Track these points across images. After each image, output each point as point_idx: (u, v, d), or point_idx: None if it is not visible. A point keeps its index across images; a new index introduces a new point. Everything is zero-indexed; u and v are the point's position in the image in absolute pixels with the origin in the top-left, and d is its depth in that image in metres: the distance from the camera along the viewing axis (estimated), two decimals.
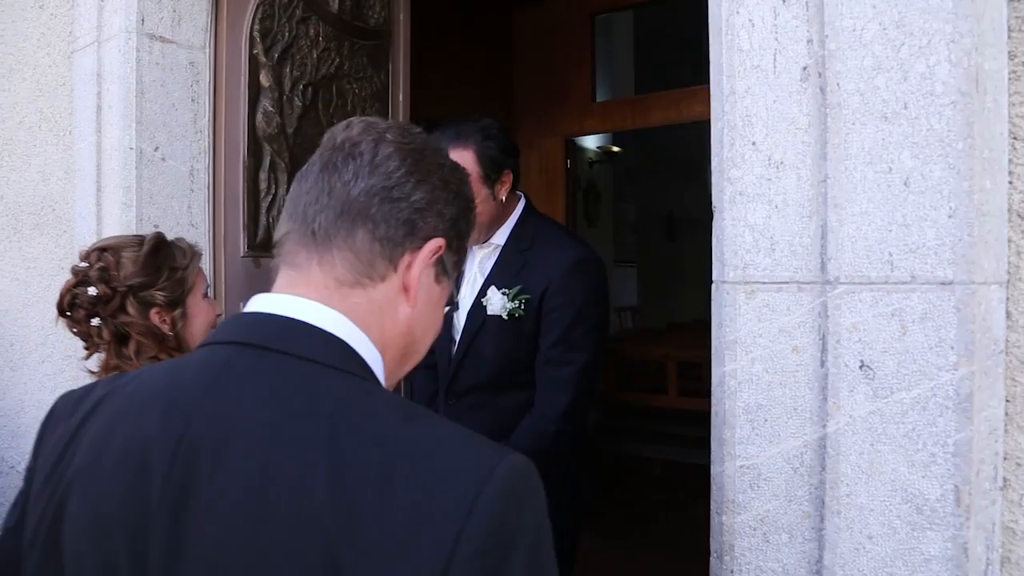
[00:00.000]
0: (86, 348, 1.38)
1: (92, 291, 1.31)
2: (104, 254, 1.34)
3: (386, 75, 2.55)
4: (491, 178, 1.75)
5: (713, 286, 1.13)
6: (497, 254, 1.79)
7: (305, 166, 0.84)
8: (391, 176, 0.78)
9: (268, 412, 0.69)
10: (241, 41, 2.14)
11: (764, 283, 1.07)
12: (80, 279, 1.33)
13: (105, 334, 1.32)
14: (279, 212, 2.17)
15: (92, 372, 1.37)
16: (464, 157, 1.70)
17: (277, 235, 0.84)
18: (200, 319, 1.42)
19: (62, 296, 1.34)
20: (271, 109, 2.20)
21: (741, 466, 1.09)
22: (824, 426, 1.03)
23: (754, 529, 1.09)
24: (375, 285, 0.78)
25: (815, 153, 1.03)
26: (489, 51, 3.83)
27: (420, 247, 0.79)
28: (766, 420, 1.07)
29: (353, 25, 2.42)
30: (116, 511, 0.70)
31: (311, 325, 0.75)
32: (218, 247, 2.13)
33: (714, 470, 1.14)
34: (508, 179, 1.79)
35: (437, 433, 0.69)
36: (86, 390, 0.82)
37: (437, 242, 0.80)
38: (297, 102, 2.27)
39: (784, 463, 1.06)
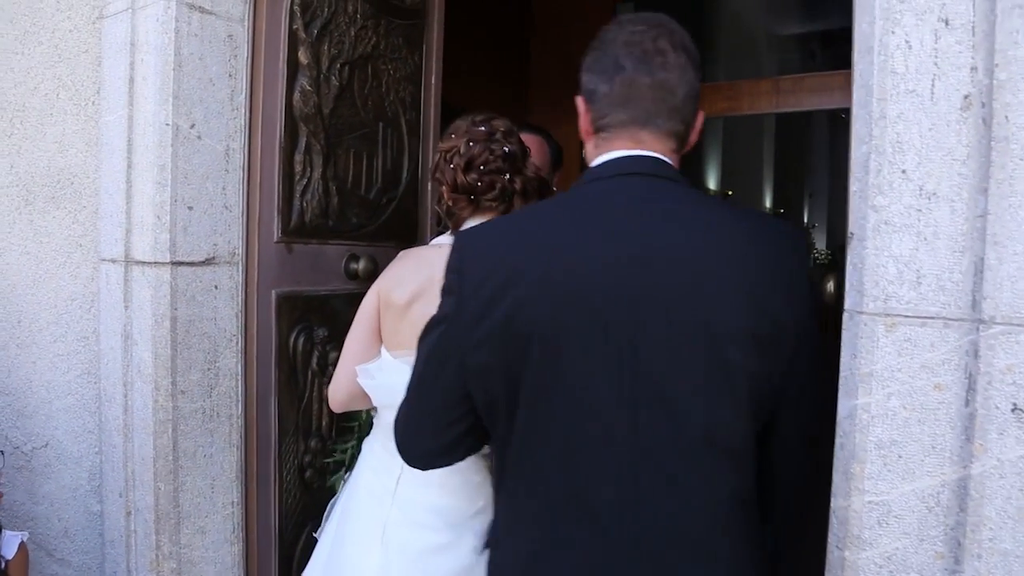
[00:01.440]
0: (460, 203, 1.55)
1: (506, 148, 1.50)
2: (493, 122, 1.54)
3: (420, 57, 2.43)
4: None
5: (846, 315, 1.08)
6: None
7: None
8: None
9: (674, 202, 1.08)
10: (281, 14, 2.01)
11: (907, 316, 1.02)
12: (488, 138, 1.51)
13: (517, 184, 1.51)
14: (312, 197, 2.07)
15: None
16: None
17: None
18: None
19: (472, 155, 1.51)
20: (308, 88, 2.08)
21: (869, 502, 1.05)
22: (966, 467, 0.99)
23: (880, 567, 1.05)
24: None
25: (973, 186, 0.98)
26: (506, 34, 3.71)
27: None
28: (900, 457, 1.03)
29: (390, 3, 2.30)
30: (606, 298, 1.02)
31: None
32: (251, 232, 2.02)
33: (836, 503, 1.10)
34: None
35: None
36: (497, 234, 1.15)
37: None
38: (334, 81, 2.15)
39: (918, 502, 1.02)
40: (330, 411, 2.17)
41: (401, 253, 1.66)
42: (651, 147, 1.12)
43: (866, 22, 1.05)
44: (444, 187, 1.57)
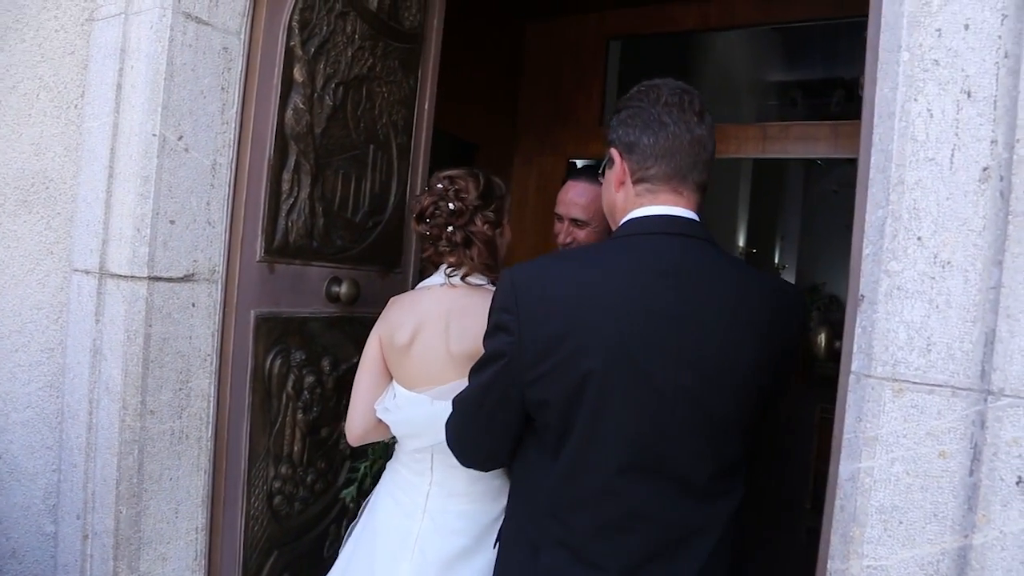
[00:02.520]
0: (426, 249, 1.81)
1: (451, 206, 1.72)
2: (455, 180, 1.74)
3: (415, 81, 2.42)
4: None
5: (852, 377, 1.08)
6: None
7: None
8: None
9: (710, 266, 1.26)
10: (279, 30, 1.98)
11: (915, 383, 1.02)
12: (439, 196, 1.73)
13: (458, 237, 1.73)
14: (298, 217, 2.03)
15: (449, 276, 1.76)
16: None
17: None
18: (506, 238, 1.85)
19: (424, 207, 1.75)
20: (302, 106, 2.05)
21: (868, 566, 1.05)
22: (967, 537, 0.99)
23: None
24: None
25: (987, 258, 0.99)
26: (496, 64, 3.72)
27: None
28: (901, 522, 1.03)
29: (389, 25, 2.28)
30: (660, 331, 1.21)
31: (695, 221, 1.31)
32: (233, 249, 1.97)
33: (833, 566, 1.09)
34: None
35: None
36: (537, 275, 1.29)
37: None
38: (328, 101, 2.12)
39: (917, 569, 1.02)
40: (303, 437, 2.15)
41: (392, 300, 1.84)
42: (689, 202, 1.31)
43: (888, 87, 1.06)
44: None
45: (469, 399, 1.39)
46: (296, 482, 2.16)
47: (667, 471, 1.24)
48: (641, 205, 1.32)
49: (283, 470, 2.12)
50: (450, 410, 1.44)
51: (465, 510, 1.73)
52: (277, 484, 2.10)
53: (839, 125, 3.15)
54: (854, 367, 1.08)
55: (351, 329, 2.29)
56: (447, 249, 1.75)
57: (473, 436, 1.41)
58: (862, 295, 1.08)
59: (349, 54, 2.16)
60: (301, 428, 2.15)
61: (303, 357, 2.15)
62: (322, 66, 2.09)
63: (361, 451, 2.13)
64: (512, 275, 1.30)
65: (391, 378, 1.79)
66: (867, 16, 1.22)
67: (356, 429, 1.79)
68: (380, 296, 2.38)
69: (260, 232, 2.01)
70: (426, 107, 2.48)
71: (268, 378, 2.06)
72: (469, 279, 1.73)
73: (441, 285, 1.75)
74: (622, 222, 1.36)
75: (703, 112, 1.31)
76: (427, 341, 1.69)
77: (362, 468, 2.15)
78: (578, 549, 1.27)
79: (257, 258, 2.01)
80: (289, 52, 2.00)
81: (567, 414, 1.24)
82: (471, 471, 1.54)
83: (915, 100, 1.03)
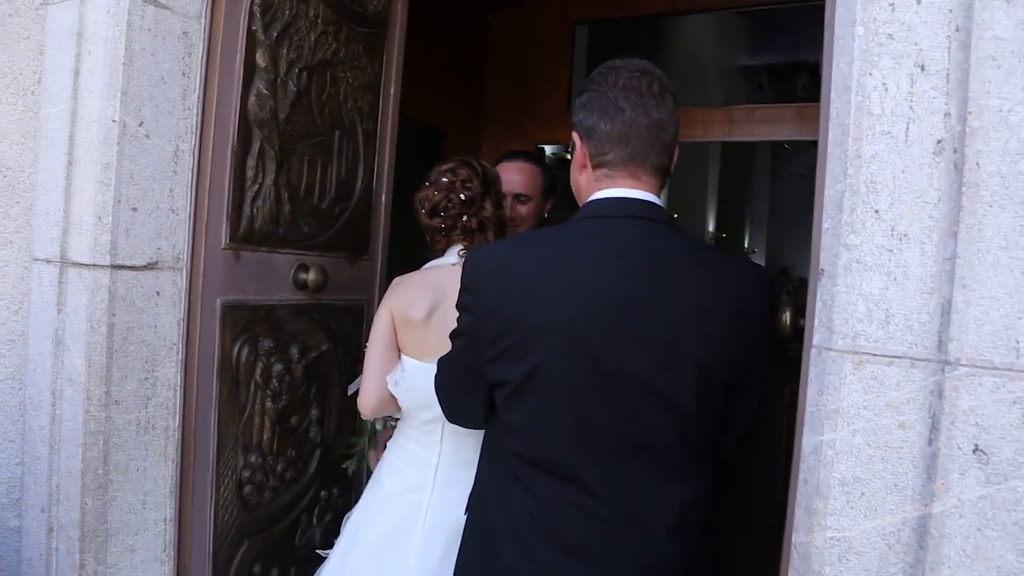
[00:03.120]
0: (439, 241, 1.88)
1: (462, 196, 1.81)
2: (457, 171, 1.84)
3: (379, 66, 2.39)
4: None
5: (813, 351, 1.09)
6: None
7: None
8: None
9: (668, 249, 1.26)
10: (240, 14, 1.94)
11: (874, 355, 1.03)
12: (448, 190, 1.83)
13: (473, 224, 1.82)
14: (264, 204, 2.00)
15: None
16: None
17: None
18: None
19: (436, 202, 1.83)
20: (265, 92, 2.01)
21: (831, 538, 1.05)
22: (926, 505, 1.00)
23: None
24: None
25: (943, 230, 0.99)
26: (462, 51, 3.69)
27: None
28: (863, 494, 1.04)
29: (352, 9, 2.25)
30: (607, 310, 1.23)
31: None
32: (198, 236, 1.93)
33: (797, 538, 1.10)
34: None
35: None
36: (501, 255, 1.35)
37: None
38: (291, 86, 2.08)
39: (879, 539, 1.03)
40: (272, 425, 2.12)
41: (399, 279, 1.87)
42: (647, 185, 1.31)
43: (844, 62, 1.06)
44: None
45: (445, 364, 1.47)
46: (266, 471, 2.13)
47: (622, 451, 1.26)
48: (600, 188, 1.33)
49: (252, 459, 2.10)
50: None
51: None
52: (247, 473, 2.08)
53: (804, 107, 3.17)
54: (815, 341, 1.09)
55: (319, 316, 2.27)
56: (460, 237, 1.84)
57: (452, 396, 1.48)
58: (822, 269, 1.08)
59: (312, 39, 2.12)
60: (270, 417, 2.13)
61: (271, 345, 2.12)
62: (285, 51, 2.05)
63: (354, 430, 2.19)
64: (473, 257, 1.36)
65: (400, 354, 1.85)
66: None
67: (370, 401, 1.82)
68: (348, 283, 2.36)
69: (225, 219, 1.97)
70: (391, 92, 2.45)
71: (236, 367, 2.03)
72: None
73: (454, 264, 1.81)
74: (581, 206, 1.37)
75: (663, 93, 1.30)
76: (446, 314, 1.71)
77: (360, 443, 2.17)
78: (544, 524, 1.30)
79: (222, 245, 1.98)
80: (251, 36, 1.96)
81: (521, 391, 1.28)
82: (479, 440, 1.58)
83: (870, 74, 1.03)
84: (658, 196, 1.34)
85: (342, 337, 2.35)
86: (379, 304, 1.89)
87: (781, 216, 11.40)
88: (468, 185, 1.82)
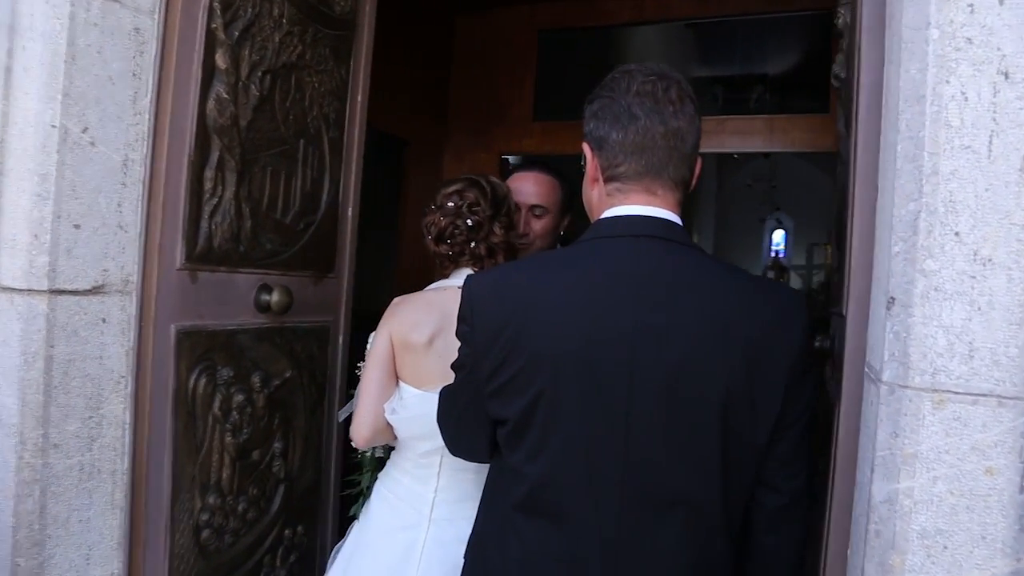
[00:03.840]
0: (447, 267, 1.76)
1: (469, 222, 1.68)
2: (464, 194, 1.71)
3: (346, 71, 2.20)
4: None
5: (885, 388, 0.97)
6: None
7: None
8: None
9: (687, 272, 1.13)
10: (198, 11, 1.73)
11: (957, 393, 0.92)
12: (454, 215, 1.69)
13: (482, 250, 1.70)
14: (223, 219, 1.81)
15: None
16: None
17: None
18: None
19: (442, 229, 1.71)
20: (225, 96, 1.81)
21: None
22: (1019, 560, 0.89)
23: None
24: None
25: None
26: (426, 57, 3.51)
27: None
28: (945, 548, 0.92)
29: (319, 10, 2.06)
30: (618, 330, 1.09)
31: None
32: (150, 256, 1.71)
33: None
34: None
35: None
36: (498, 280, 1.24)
37: None
38: (254, 90, 1.88)
39: None
40: (232, 461, 1.92)
41: (400, 300, 1.73)
42: (664, 201, 1.18)
43: (916, 68, 0.95)
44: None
45: (447, 396, 1.37)
46: (226, 512, 1.92)
47: (632, 501, 1.13)
48: (612, 205, 1.19)
49: (211, 500, 1.88)
50: None
51: (473, 515, 1.59)
52: (205, 516, 1.86)
53: (774, 119, 3.12)
54: (886, 377, 0.97)
55: (283, 341, 2.07)
56: (470, 262, 1.72)
57: (452, 430, 1.37)
58: (892, 297, 0.97)
59: (276, 39, 1.93)
60: (230, 452, 1.91)
61: (231, 374, 1.90)
62: (247, 52, 1.85)
63: (356, 465, 2.00)
64: (470, 284, 1.23)
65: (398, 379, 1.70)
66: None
67: (365, 431, 1.68)
68: (313, 303, 2.16)
69: (180, 237, 1.75)
70: (359, 99, 2.26)
71: (192, 399, 1.82)
72: None
73: (460, 287, 1.62)
74: (592, 224, 1.24)
75: (682, 99, 1.17)
76: (450, 341, 1.52)
77: (364, 480, 1.96)
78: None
79: (177, 266, 1.76)
80: (210, 35, 1.75)
81: (521, 430, 1.17)
82: (479, 475, 1.48)
83: (947, 82, 0.93)
84: (677, 213, 1.20)
85: (307, 363, 2.15)
86: (377, 327, 1.74)
87: (727, 226, 11.57)
88: (475, 209, 1.69)
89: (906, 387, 0.94)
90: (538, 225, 2.07)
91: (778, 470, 1.17)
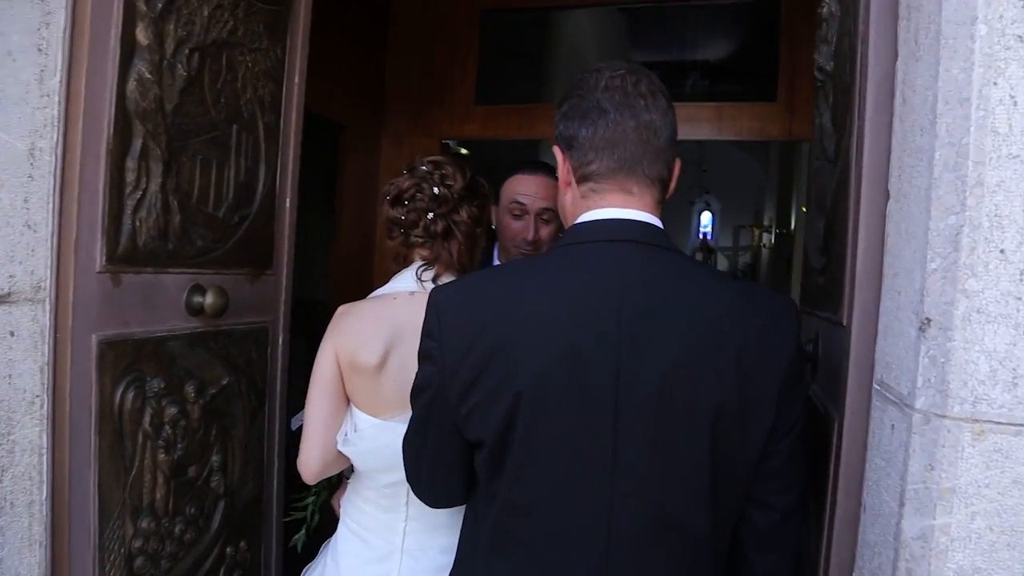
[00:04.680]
0: (395, 237, 1.53)
1: (436, 190, 1.47)
2: (441, 165, 1.50)
3: (282, 50, 1.98)
4: None
5: (918, 416, 0.87)
6: None
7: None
8: None
9: (669, 278, 1.04)
10: None
11: (999, 423, 0.83)
12: (422, 179, 1.49)
13: (439, 227, 1.48)
14: (148, 214, 1.59)
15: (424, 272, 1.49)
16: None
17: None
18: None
19: (403, 189, 1.49)
20: (148, 76, 1.57)
21: None
22: None
23: None
24: None
25: None
26: (363, 37, 3.26)
27: None
28: None
29: None
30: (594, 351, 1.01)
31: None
32: (65, 259, 1.47)
33: None
34: None
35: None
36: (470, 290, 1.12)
37: None
38: (181, 70, 1.65)
39: None
40: (166, 480, 1.71)
41: (346, 309, 1.51)
42: (640, 202, 1.09)
43: (958, 67, 0.84)
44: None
45: (411, 437, 1.21)
46: (161, 536, 1.71)
47: (621, 527, 1.05)
48: (588, 208, 1.11)
49: (144, 524, 1.66)
50: None
51: (448, 543, 1.46)
52: (138, 543, 1.64)
53: (722, 107, 3.04)
54: (921, 404, 0.87)
55: (218, 345, 1.85)
56: (420, 240, 1.50)
57: (426, 471, 1.21)
58: (927, 318, 0.87)
59: (205, 13, 1.69)
60: (163, 471, 1.70)
61: (161, 385, 1.69)
62: (172, 27, 1.61)
63: (304, 486, 1.79)
64: (436, 296, 1.12)
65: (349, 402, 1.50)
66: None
67: (314, 465, 1.49)
68: (251, 303, 1.96)
69: (100, 235, 1.52)
70: (296, 81, 2.04)
71: (118, 416, 1.59)
72: (440, 281, 1.45)
73: (412, 293, 1.45)
74: (568, 229, 1.15)
75: (653, 93, 1.10)
76: (405, 359, 1.38)
77: (310, 504, 1.79)
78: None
79: (97, 268, 1.53)
80: (129, 7, 1.51)
81: (499, 453, 1.07)
82: None
83: (995, 84, 0.82)
84: (656, 214, 1.11)
85: (245, 368, 1.94)
86: (313, 337, 1.53)
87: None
88: (447, 182, 1.49)
89: (944, 417, 0.85)
90: (546, 231, 1.93)
91: (770, 485, 1.09)
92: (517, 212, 1.95)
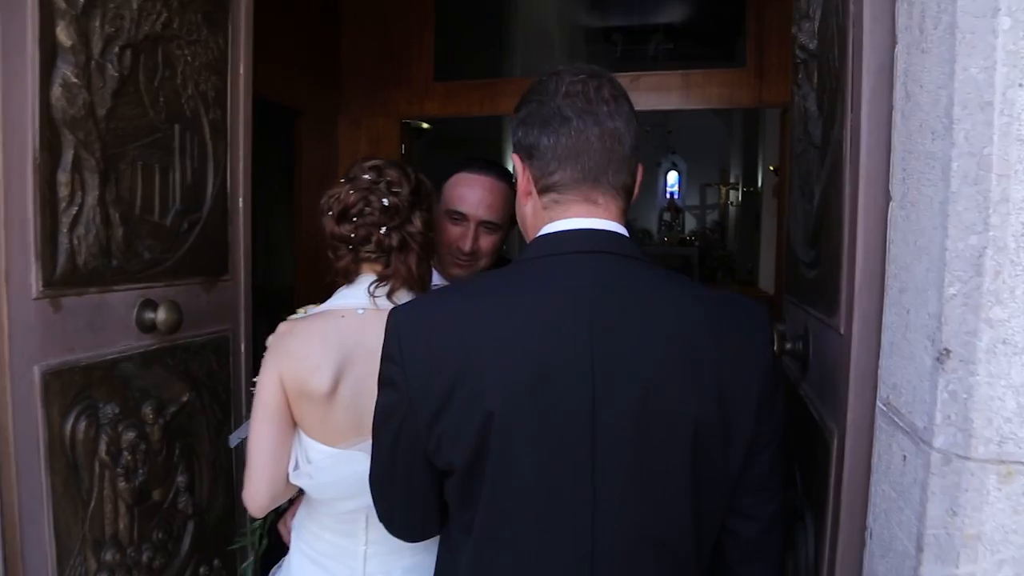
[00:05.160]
0: (341, 257, 1.38)
1: (385, 201, 1.34)
2: (384, 171, 1.37)
3: (224, 40, 1.81)
4: None
5: (937, 456, 0.78)
6: None
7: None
8: None
9: (638, 289, 0.99)
10: None
11: None
12: (367, 190, 1.34)
13: (393, 240, 1.34)
14: (87, 230, 1.45)
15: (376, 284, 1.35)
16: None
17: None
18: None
19: (349, 204, 1.34)
20: (75, 80, 1.40)
21: None
22: None
23: None
24: None
25: None
26: (314, 15, 3.05)
27: None
28: None
29: None
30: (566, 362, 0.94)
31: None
32: None
33: None
34: None
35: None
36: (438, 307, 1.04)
37: None
38: (111, 70, 1.48)
39: None
40: (128, 509, 1.61)
41: (289, 328, 1.36)
42: (606, 211, 1.04)
43: (978, 66, 0.73)
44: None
45: (380, 467, 1.12)
46: (128, 567, 1.60)
47: (598, 553, 1.00)
48: (551, 220, 1.05)
49: (108, 557, 1.55)
50: None
51: (412, 563, 1.42)
52: None
53: (690, 75, 2.90)
54: (940, 444, 0.78)
55: (176, 361, 1.72)
56: (372, 256, 1.36)
57: (403, 502, 1.13)
58: (946, 349, 0.77)
59: (134, 6, 1.52)
60: (125, 499, 1.58)
61: (116, 410, 1.56)
62: (98, 24, 1.44)
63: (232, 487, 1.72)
64: (396, 317, 1.04)
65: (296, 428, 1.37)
66: None
67: (261, 499, 1.36)
68: (208, 313, 1.83)
69: (33, 259, 1.37)
70: (241, 71, 1.88)
71: (71, 448, 1.47)
72: (396, 297, 1.33)
73: (361, 311, 1.32)
74: (530, 242, 1.07)
75: (616, 98, 1.04)
76: (358, 384, 1.27)
77: (257, 529, 1.67)
78: None
79: (33, 295, 1.38)
80: (47, 5, 1.34)
81: (470, 479, 1.01)
82: None
83: (1020, 86, 0.71)
84: (622, 223, 1.06)
85: (206, 381, 1.82)
86: (264, 359, 1.37)
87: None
88: (395, 190, 1.35)
89: (967, 458, 0.76)
90: (487, 243, 1.74)
91: (753, 497, 1.05)
92: (456, 217, 1.74)
